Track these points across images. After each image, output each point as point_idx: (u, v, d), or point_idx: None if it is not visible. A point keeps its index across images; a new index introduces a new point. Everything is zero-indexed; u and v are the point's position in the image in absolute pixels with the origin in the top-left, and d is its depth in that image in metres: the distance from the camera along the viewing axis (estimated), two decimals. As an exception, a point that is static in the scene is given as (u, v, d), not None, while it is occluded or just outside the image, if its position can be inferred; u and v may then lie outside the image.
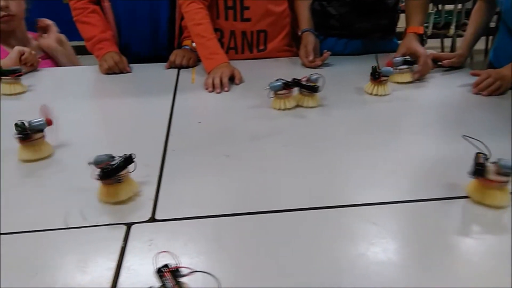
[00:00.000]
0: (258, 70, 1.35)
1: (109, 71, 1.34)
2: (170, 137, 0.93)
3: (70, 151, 0.88)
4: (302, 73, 1.33)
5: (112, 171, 0.67)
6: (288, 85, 1.04)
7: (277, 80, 1.04)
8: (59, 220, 0.66)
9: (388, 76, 1.13)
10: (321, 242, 0.61)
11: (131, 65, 1.38)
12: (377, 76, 1.11)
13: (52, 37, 1.49)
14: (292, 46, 1.51)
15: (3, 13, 1.30)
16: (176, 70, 1.37)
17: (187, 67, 1.39)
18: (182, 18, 1.41)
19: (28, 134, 0.81)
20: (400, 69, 1.21)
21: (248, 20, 1.38)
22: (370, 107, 1.09)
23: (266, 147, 0.89)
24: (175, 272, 0.49)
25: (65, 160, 0.85)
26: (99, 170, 0.66)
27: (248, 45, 1.43)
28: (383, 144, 0.89)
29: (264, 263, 0.57)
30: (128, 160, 0.69)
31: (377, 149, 0.87)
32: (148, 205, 0.70)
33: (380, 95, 1.13)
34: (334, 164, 0.81)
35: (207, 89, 1.20)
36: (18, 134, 0.81)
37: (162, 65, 1.41)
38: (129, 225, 0.65)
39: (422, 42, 1.28)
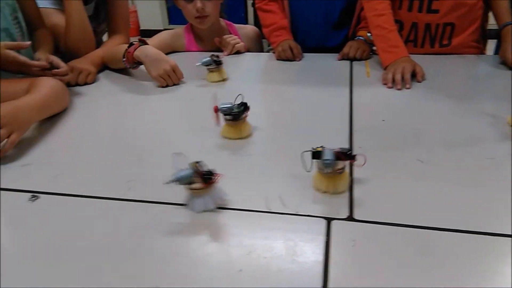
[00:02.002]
0: (441, 67, 1.24)
1: (284, 57, 1.37)
2: (354, 133, 0.91)
3: (263, 135, 0.92)
4: (495, 73, 1.18)
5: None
6: None
7: None
8: (259, 202, 0.69)
9: None
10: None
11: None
12: None
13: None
14: (480, 43, 1.35)
15: (198, 14, 1.39)
16: (348, 62, 1.34)
17: (360, 59, 1.34)
18: (361, 9, 1.37)
19: (236, 115, 0.87)
20: None
21: (435, 11, 1.26)
22: None
23: (465, 157, 0.80)
24: None
25: (259, 142, 0.89)
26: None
27: (430, 38, 1.32)
28: None
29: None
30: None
31: None
32: (343, 201, 0.69)
33: None
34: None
35: (385, 84, 1.14)
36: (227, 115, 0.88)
37: (332, 55, 1.39)
38: (329, 220, 0.65)
39: None
